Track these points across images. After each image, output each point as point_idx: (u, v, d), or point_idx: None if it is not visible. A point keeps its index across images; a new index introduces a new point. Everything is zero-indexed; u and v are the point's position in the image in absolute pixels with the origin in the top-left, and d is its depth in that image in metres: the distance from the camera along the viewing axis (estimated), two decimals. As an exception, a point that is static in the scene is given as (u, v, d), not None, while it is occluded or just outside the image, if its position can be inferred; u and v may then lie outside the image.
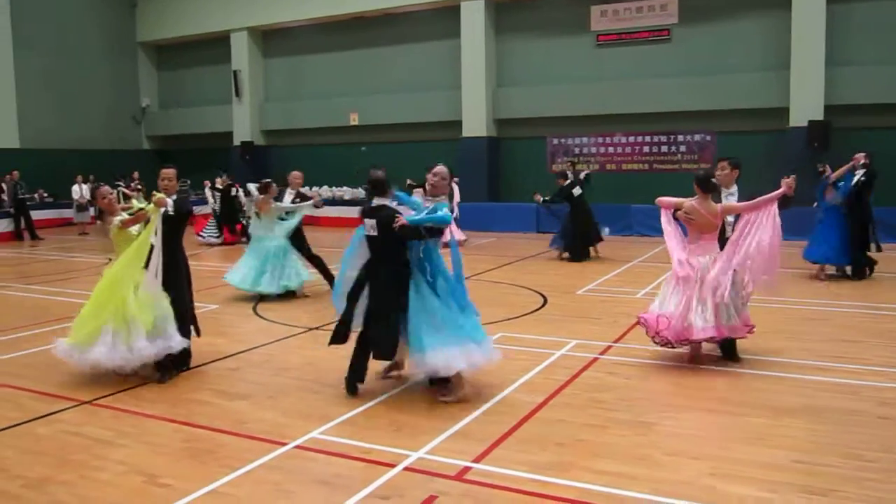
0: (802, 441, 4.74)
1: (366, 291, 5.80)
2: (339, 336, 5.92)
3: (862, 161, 10.66)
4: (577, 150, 20.16)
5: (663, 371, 6.40)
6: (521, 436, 4.91)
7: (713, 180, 6.54)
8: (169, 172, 6.48)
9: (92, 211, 20.51)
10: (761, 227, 6.19)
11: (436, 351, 5.43)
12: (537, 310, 9.15)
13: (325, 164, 23.41)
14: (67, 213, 21.81)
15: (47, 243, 18.36)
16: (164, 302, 6.20)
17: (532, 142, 20.43)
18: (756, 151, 17.82)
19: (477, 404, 5.50)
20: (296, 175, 10.64)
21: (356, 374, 5.85)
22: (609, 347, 7.18)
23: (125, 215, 6.42)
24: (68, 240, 18.83)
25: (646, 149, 19.46)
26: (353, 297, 5.85)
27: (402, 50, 22.44)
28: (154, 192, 6.31)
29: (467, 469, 4.38)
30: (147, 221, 6.26)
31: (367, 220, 5.76)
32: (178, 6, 25.88)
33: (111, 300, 6.12)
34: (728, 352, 6.57)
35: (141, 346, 5.99)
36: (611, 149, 19.89)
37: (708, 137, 18.70)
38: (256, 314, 9.15)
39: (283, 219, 10.33)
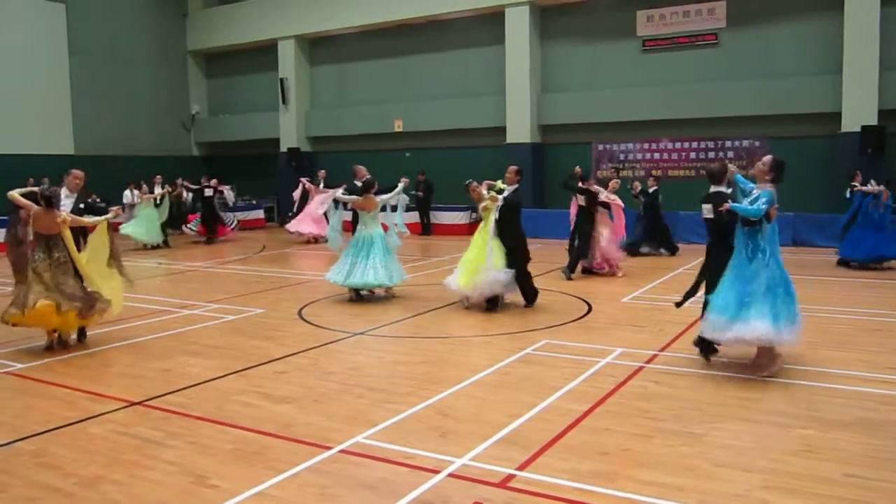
0: (857, 455, 4.61)
1: None
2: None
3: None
4: (622, 157, 19.99)
5: (711, 381, 6.29)
6: (566, 444, 4.87)
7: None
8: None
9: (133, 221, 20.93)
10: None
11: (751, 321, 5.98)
12: (582, 317, 9.08)
13: (369, 170, 23.50)
14: (119, 217, 22.30)
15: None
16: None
17: (577, 148, 20.30)
18: (807, 157, 17.47)
19: (521, 411, 5.47)
20: (360, 168, 11.38)
21: (706, 344, 6.67)
22: (655, 356, 7.08)
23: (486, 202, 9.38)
24: (119, 244, 19.27)
25: (693, 155, 19.20)
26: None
27: (446, 56, 22.53)
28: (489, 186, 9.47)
29: (511, 476, 4.36)
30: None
31: (703, 205, 6.59)
32: (226, 16, 26.39)
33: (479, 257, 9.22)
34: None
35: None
36: (657, 155, 19.67)
37: (757, 143, 18.37)
38: (302, 318, 9.24)
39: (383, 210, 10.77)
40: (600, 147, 20.38)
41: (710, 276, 6.74)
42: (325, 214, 16.10)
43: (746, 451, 4.69)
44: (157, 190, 18.69)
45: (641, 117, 19.30)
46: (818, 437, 4.90)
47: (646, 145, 19.83)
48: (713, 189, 6.70)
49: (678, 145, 19.39)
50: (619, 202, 12.32)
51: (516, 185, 9.54)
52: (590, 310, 9.49)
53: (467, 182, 10.15)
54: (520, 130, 20.58)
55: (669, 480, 4.27)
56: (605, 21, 19.93)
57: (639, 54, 19.62)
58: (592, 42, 20.22)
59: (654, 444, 4.83)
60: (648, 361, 6.88)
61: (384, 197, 10.57)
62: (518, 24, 20.39)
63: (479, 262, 9.22)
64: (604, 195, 12.06)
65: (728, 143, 18.75)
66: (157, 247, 18.06)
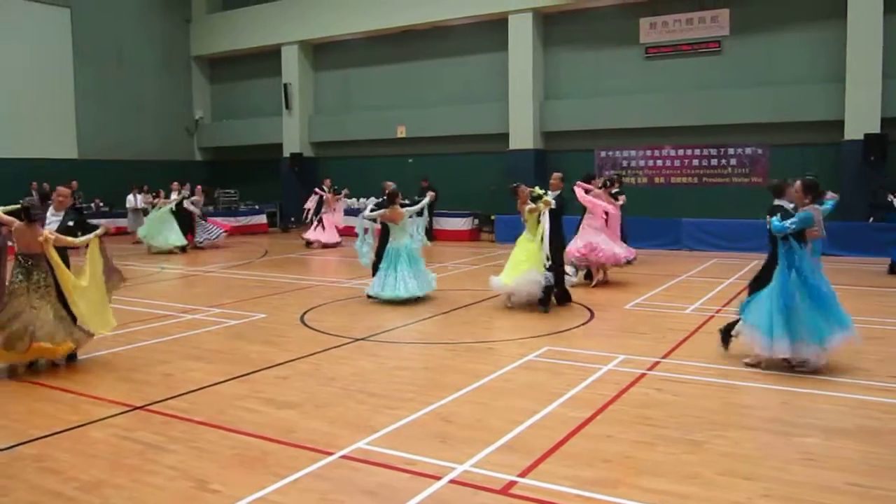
0: (858, 463, 4.61)
1: None
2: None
3: None
4: (625, 163, 20.00)
5: (713, 388, 6.29)
6: (568, 451, 4.87)
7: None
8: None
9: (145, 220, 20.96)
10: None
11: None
12: (584, 324, 9.08)
13: (372, 175, 23.58)
14: (122, 221, 22.36)
15: (103, 251, 18.82)
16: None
17: (580, 154, 20.29)
18: (810, 165, 17.46)
19: (523, 418, 5.47)
20: (388, 184, 11.45)
21: (727, 332, 7.23)
22: (657, 363, 7.08)
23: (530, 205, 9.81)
24: (123, 248, 19.30)
25: (695, 162, 19.20)
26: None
27: (449, 63, 22.56)
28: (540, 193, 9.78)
29: (513, 483, 4.36)
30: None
31: (767, 216, 6.91)
32: (230, 21, 26.48)
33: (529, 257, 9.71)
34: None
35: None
36: (659, 162, 19.67)
37: (760, 151, 18.38)
38: (304, 324, 9.25)
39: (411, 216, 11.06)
40: (603, 154, 20.38)
41: (759, 282, 7.08)
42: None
43: (748, 459, 4.69)
44: (174, 196, 18.65)
45: (644, 124, 19.31)
46: (819, 446, 4.90)
47: (648, 152, 19.82)
48: (775, 202, 6.98)
49: (681, 152, 19.38)
50: (593, 202, 11.95)
51: (559, 191, 10.12)
52: (592, 316, 9.49)
53: (515, 185, 10.42)
54: (523, 137, 20.59)
55: (671, 488, 4.27)
56: (608, 28, 19.95)
57: (642, 61, 19.64)
58: (595, 49, 20.24)
59: (656, 452, 4.83)
60: (650, 368, 6.88)
61: (411, 209, 10.92)
62: (521, 31, 20.42)
63: (530, 263, 9.69)
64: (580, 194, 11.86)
65: (731, 151, 18.75)
66: (172, 252, 18.01)
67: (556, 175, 10.37)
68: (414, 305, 10.36)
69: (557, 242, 9.96)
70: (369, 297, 10.67)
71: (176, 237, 18.05)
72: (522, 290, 9.80)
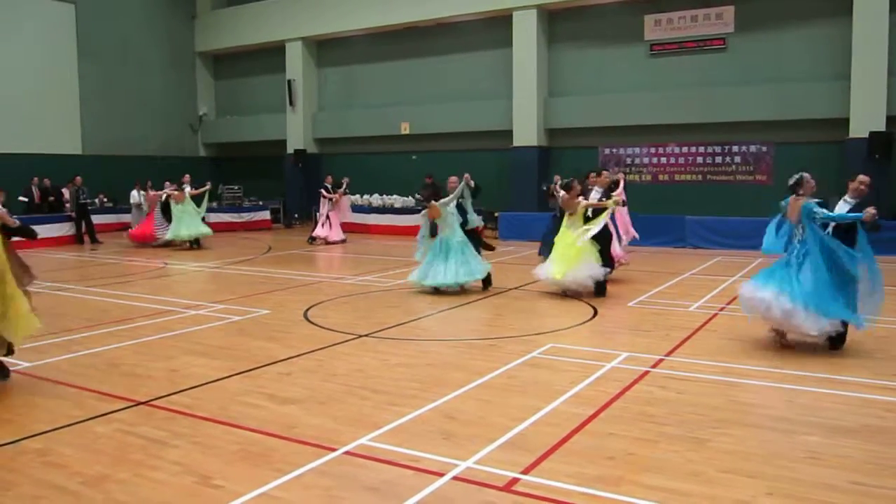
0: (861, 462, 4.59)
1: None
2: None
3: None
4: (629, 161, 19.98)
5: (717, 386, 6.28)
6: (571, 448, 4.87)
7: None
8: None
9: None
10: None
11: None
12: (587, 321, 9.07)
13: (376, 172, 23.64)
14: (126, 217, 22.38)
15: (106, 247, 18.91)
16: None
17: (583, 151, 20.30)
18: (815, 163, 17.40)
19: (526, 415, 5.47)
20: (452, 180, 11.55)
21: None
22: (660, 361, 7.07)
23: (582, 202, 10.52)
24: (126, 244, 19.33)
25: (699, 159, 19.18)
26: None
27: (453, 59, 22.56)
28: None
29: (516, 480, 4.36)
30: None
31: None
32: (235, 17, 26.50)
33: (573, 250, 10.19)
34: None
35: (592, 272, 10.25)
36: (663, 159, 19.65)
37: (764, 148, 18.34)
38: (307, 320, 9.25)
39: (462, 209, 11.48)
40: (607, 151, 20.37)
41: None
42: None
43: (751, 457, 4.68)
44: (188, 189, 18.64)
45: (648, 121, 19.30)
46: (823, 444, 4.89)
47: (652, 149, 19.81)
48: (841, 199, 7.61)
49: (685, 150, 19.37)
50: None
51: (604, 188, 11.00)
52: (595, 314, 9.48)
53: (570, 180, 10.80)
54: (526, 134, 20.59)
55: (674, 486, 4.26)
56: (612, 25, 19.93)
57: (646, 58, 19.61)
58: (600, 46, 20.22)
59: (659, 449, 4.83)
60: (654, 366, 6.87)
61: (444, 200, 11.09)
62: (525, 28, 20.40)
63: (577, 256, 10.22)
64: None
65: (735, 149, 18.73)
66: (197, 242, 18.04)
67: (605, 173, 11.34)
68: (416, 303, 10.37)
69: (605, 237, 10.67)
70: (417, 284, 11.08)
71: (195, 230, 18.13)
72: (574, 283, 10.30)
